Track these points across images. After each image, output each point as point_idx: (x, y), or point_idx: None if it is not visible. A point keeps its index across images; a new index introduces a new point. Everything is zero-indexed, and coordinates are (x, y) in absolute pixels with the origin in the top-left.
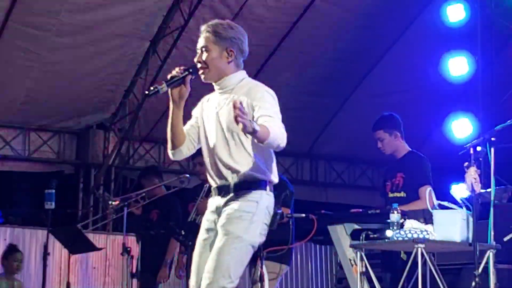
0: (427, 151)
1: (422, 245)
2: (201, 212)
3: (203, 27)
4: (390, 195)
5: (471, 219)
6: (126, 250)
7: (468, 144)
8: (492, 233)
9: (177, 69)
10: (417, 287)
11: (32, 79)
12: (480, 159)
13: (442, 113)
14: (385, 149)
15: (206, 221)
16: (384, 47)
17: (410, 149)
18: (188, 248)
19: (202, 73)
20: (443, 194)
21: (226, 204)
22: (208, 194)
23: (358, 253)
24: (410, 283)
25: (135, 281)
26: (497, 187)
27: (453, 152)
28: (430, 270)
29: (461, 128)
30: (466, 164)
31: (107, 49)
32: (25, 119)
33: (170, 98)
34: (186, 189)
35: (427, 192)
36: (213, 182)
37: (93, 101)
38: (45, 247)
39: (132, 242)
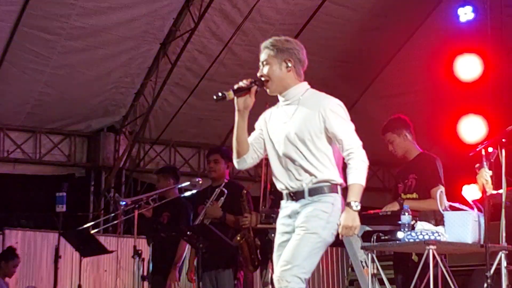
0: (438, 153)
1: (434, 247)
2: (209, 216)
3: (262, 44)
4: (403, 196)
5: (482, 220)
6: (137, 253)
7: (479, 145)
8: (504, 234)
9: (245, 80)
10: None
11: (42, 82)
12: (491, 160)
13: (453, 114)
14: (396, 151)
15: (282, 225)
16: (394, 49)
17: (421, 150)
18: (199, 250)
19: (266, 87)
20: (455, 196)
21: (301, 208)
22: (218, 197)
23: (370, 255)
24: (422, 285)
25: (146, 283)
26: (509, 188)
27: (464, 153)
28: (442, 271)
29: (472, 129)
30: (477, 165)
31: (117, 52)
32: (36, 122)
33: (236, 107)
34: (196, 192)
35: (438, 193)
36: (285, 189)
37: (103, 104)
38: (57, 250)
39: (143, 244)
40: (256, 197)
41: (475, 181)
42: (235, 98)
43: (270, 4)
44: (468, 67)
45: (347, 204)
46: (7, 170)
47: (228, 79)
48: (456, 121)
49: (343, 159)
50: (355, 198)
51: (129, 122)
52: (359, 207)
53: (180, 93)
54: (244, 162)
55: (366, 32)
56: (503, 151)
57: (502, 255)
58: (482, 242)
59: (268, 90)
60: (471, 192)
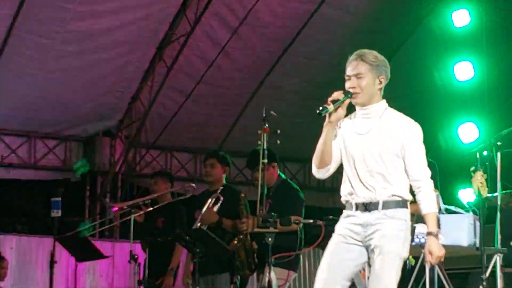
0: (434, 156)
1: None
2: (206, 222)
3: (352, 56)
4: None
5: (478, 224)
6: (133, 258)
7: (475, 149)
8: (499, 237)
9: (337, 92)
10: None
11: (37, 87)
12: (487, 163)
13: (448, 117)
14: None
15: (349, 230)
16: (389, 52)
17: None
18: (195, 255)
19: (355, 98)
20: (450, 199)
21: (376, 221)
22: (215, 203)
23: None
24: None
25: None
26: (504, 191)
27: (460, 157)
28: (438, 274)
29: (468, 132)
30: (472, 168)
31: (113, 56)
32: (31, 127)
33: (328, 119)
34: (193, 196)
35: (434, 196)
36: (358, 198)
37: (99, 108)
38: (52, 255)
39: (139, 249)
40: (253, 201)
41: (470, 185)
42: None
43: (266, 8)
44: (463, 71)
45: (430, 233)
46: (2, 175)
47: (225, 83)
48: (451, 125)
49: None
50: (436, 228)
51: (125, 126)
52: (441, 236)
53: (176, 97)
54: (327, 171)
55: (362, 35)
56: (498, 154)
57: (497, 257)
58: (477, 245)
59: (354, 101)
60: (466, 195)
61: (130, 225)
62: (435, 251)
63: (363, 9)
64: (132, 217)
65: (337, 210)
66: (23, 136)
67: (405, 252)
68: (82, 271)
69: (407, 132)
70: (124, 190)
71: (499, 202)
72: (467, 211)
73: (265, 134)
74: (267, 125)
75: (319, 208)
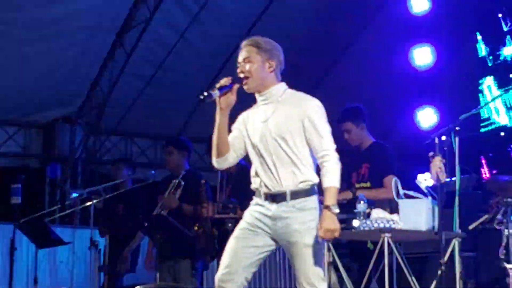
0: (392, 141)
1: (389, 235)
2: (167, 207)
3: (243, 42)
4: (356, 185)
5: (436, 208)
6: (93, 244)
7: (433, 134)
8: (458, 221)
9: (225, 78)
10: (384, 276)
11: None
12: (445, 148)
13: (407, 103)
14: (353, 140)
15: (254, 218)
16: (349, 39)
17: (374, 139)
18: (156, 241)
19: (245, 83)
20: (409, 184)
21: (286, 214)
22: (176, 189)
23: (325, 243)
24: (377, 272)
25: (102, 274)
26: (462, 176)
27: (418, 142)
28: (397, 259)
29: (426, 118)
30: (431, 153)
31: (73, 43)
32: None
33: (218, 105)
34: (155, 182)
35: (393, 181)
36: (266, 188)
37: (59, 95)
38: (12, 242)
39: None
40: (215, 187)
41: (429, 169)
42: (217, 98)
43: None
44: (422, 57)
45: (326, 207)
46: None
47: (185, 70)
48: (410, 110)
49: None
50: (333, 201)
51: (85, 113)
52: (338, 210)
53: (136, 84)
54: (225, 161)
55: (322, 21)
56: (457, 139)
57: (456, 242)
58: (436, 230)
59: (246, 87)
60: (425, 180)
61: (91, 211)
62: (325, 225)
63: None
64: (93, 203)
65: None
66: None
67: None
68: (42, 258)
69: (306, 109)
70: (85, 176)
71: (457, 187)
72: (426, 195)
73: None
74: None
75: None
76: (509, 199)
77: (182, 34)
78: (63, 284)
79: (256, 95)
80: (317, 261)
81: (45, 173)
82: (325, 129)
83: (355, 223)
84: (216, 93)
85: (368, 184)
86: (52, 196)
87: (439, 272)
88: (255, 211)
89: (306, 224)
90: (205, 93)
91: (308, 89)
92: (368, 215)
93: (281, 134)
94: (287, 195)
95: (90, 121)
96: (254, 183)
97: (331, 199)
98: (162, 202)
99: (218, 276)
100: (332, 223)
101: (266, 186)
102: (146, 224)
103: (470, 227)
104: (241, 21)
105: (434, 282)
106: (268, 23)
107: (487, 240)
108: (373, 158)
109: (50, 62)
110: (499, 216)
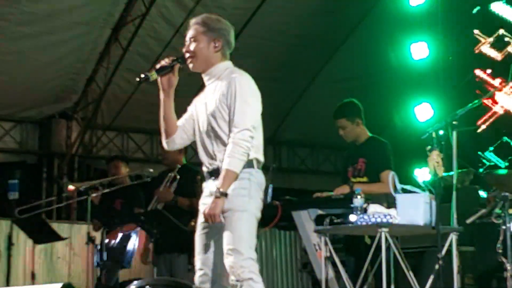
0: (389, 136)
1: (386, 229)
2: (162, 201)
3: (192, 20)
4: (353, 180)
5: (434, 203)
6: (90, 239)
7: (430, 128)
8: (455, 216)
9: (166, 58)
10: (381, 271)
11: None
12: (442, 142)
13: (404, 97)
14: (347, 137)
15: (203, 204)
16: (345, 33)
17: (370, 134)
18: (152, 235)
19: (190, 62)
20: (406, 178)
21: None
22: (172, 183)
23: (323, 238)
24: (374, 267)
25: (99, 269)
26: (460, 170)
27: (416, 136)
28: (394, 253)
29: (423, 112)
30: (428, 148)
31: (68, 38)
32: None
33: (160, 87)
34: (153, 177)
35: (390, 176)
36: (205, 168)
37: (55, 90)
38: (9, 237)
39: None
40: None
41: (426, 164)
42: (159, 78)
43: None
44: (419, 50)
45: (218, 190)
46: None
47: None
48: (407, 104)
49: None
50: (222, 186)
51: (81, 108)
52: (223, 195)
53: (132, 79)
54: (173, 142)
55: (318, 16)
56: (454, 133)
57: (453, 236)
58: (433, 224)
59: (191, 66)
60: (422, 174)
61: (87, 206)
62: (207, 209)
63: None
64: (89, 198)
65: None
66: None
67: (253, 209)
68: (39, 253)
69: (231, 87)
70: (81, 172)
71: (454, 181)
72: (423, 190)
73: None
74: None
75: (275, 188)
76: (506, 193)
77: (178, 29)
78: (60, 279)
79: (202, 75)
80: (245, 228)
81: (42, 169)
82: (242, 108)
83: (352, 217)
84: (152, 74)
85: (365, 179)
86: (49, 191)
87: (437, 266)
88: (203, 196)
89: (236, 190)
90: (142, 75)
91: (305, 83)
92: (365, 210)
93: (212, 112)
94: (220, 170)
95: (86, 117)
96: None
97: (221, 183)
98: (157, 196)
99: (196, 278)
100: (213, 208)
101: (206, 166)
102: (143, 218)
103: (468, 221)
104: (237, 15)
105: (432, 277)
106: (264, 18)
107: (485, 234)
108: (370, 153)
109: (46, 57)
110: (496, 210)
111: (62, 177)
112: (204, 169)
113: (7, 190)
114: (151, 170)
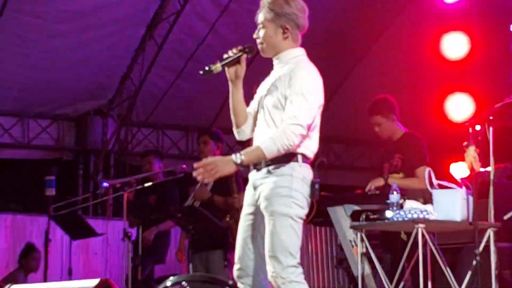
0: (425, 131)
1: (422, 225)
2: (198, 198)
3: (261, 2)
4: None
5: (471, 198)
6: (126, 235)
7: (467, 123)
8: (492, 211)
9: (233, 49)
10: (418, 267)
11: (29, 66)
12: (479, 138)
13: (439, 92)
14: (383, 134)
15: (248, 195)
16: (380, 28)
17: (406, 130)
18: (189, 232)
19: (261, 50)
20: (443, 174)
21: (261, 181)
22: None
23: (359, 234)
24: (411, 264)
25: (135, 265)
26: (496, 166)
27: (452, 132)
28: (431, 250)
29: (459, 107)
30: (465, 143)
31: (103, 35)
32: (23, 106)
33: (228, 77)
34: (187, 174)
35: (426, 172)
36: None
37: (90, 87)
38: (46, 233)
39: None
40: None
41: (463, 159)
42: (226, 69)
43: None
44: (455, 45)
45: (234, 153)
46: None
47: (215, 60)
48: (443, 100)
49: (309, 127)
50: (245, 156)
51: (116, 105)
52: (238, 161)
53: (167, 76)
54: (243, 132)
55: (351, 12)
56: (491, 128)
57: (490, 232)
58: (470, 220)
59: (261, 53)
60: (459, 170)
61: (123, 202)
62: (208, 160)
63: None
64: (125, 194)
65: (329, 186)
66: (15, 115)
67: (295, 210)
68: (76, 249)
69: (293, 79)
70: (117, 168)
71: (491, 177)
72: (460, 186)
73: None
74: None
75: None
76: None
77: (212, 25)
78: (97, 274)
79: (273, 59)
80: (286, 234)
81: (78, 165)
82: (299, 101)
83: (388, 213)
84: (217, 66)
85: (401, 175)
86: (85, 187)
87: (474, 262)
88: (248, 188)
89: (275, 190)
90: (206, 68)
91: (339, 78)
92: (401, 206)
93: (270, 100)
94: (262, 161)
95: (121, 114)
96: None
97: (245, 152)
98: (193, 194)
99: (233, 272)
100: (219, 163)
101: None
102: (179, 215)
103: (505, 217)
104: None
105: (469, 273)
106: None
107: None
108: (406, 149)
109: (81, 55)
110: None
111: (98, 173)
112: None
113: (44, 186)
114: (184, 166)
